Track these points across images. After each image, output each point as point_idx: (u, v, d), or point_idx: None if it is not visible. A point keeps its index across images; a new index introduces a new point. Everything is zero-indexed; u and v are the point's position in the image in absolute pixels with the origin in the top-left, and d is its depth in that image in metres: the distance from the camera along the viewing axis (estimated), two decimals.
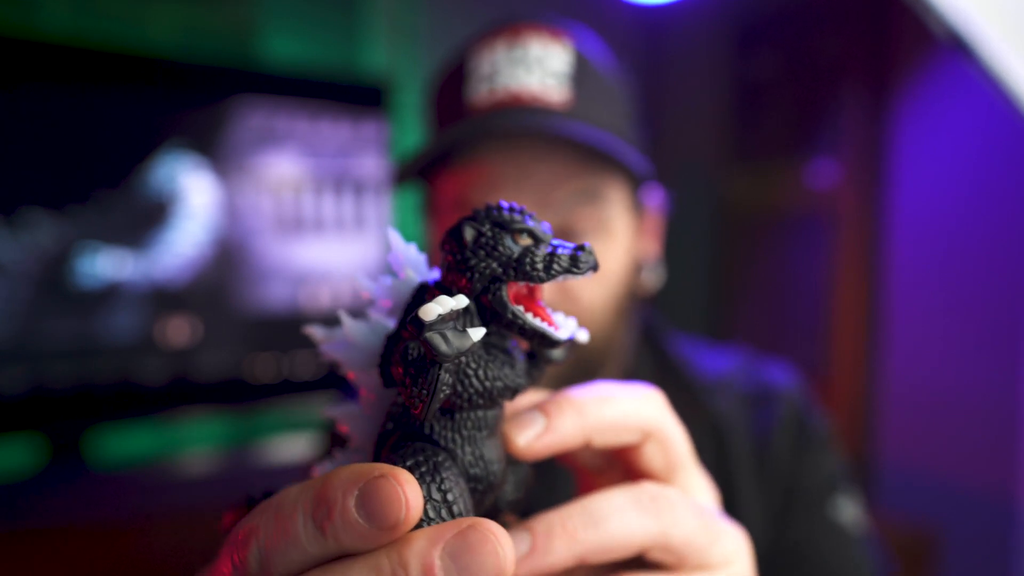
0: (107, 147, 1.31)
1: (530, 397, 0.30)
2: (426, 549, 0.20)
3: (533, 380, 0.28)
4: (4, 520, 1.17)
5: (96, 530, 1.17)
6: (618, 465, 0.31)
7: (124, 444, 1.47)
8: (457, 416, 0.25)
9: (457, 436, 0.25)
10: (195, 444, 1.54)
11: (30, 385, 1.24)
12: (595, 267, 0.24)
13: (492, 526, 0.20)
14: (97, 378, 1.30)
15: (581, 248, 0.24)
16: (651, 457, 0.29)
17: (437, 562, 0.20)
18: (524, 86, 0.55)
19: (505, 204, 0.25)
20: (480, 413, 0.25)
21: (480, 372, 0.24)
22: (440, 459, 0.23)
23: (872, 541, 0.65)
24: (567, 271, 0.24)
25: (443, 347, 0.21)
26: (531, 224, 0.25)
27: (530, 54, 0.56)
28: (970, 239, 1.54)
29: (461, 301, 0.22)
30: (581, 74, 0.57)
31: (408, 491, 0.20)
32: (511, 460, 0.28)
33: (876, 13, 1.69)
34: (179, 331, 1.37)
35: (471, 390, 0.24)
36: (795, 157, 1.87)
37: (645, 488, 0.28)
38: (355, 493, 0.20)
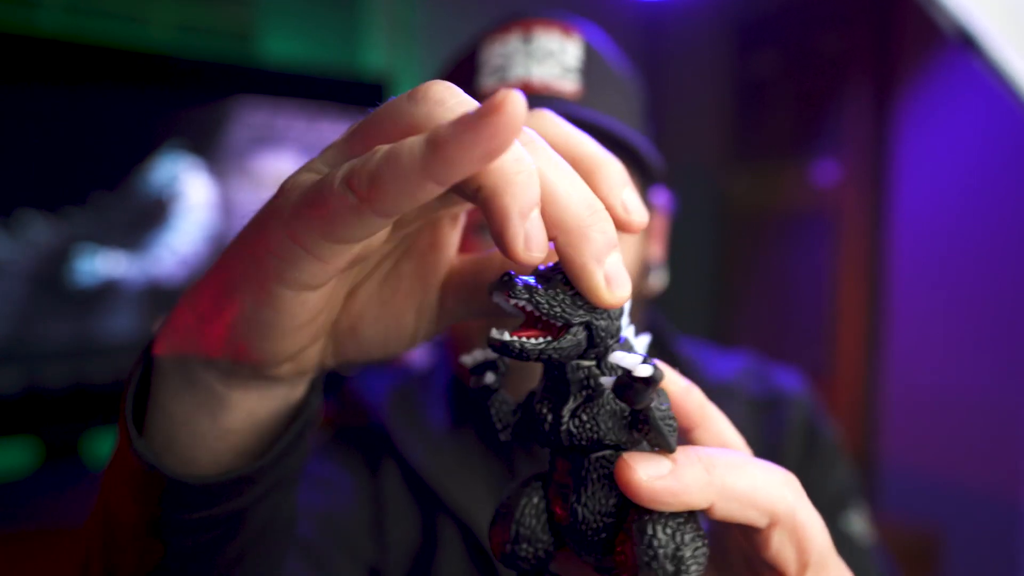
0: (105, 146, 1.30)
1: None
2: None
3: None
4: (1, 522, 1.16)
5: None
6: (743, 558, 0.29)
7: None
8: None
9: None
10: None
11: (26, 386, 1.23)
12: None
13: None
14: (94, 379, 1.29)
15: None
16: (780, 548, 0.27)
17: None
18: (536, 76, 0.54)
19: None
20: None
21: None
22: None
23: (880, 551, 0.64)
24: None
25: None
26: None
27: (542, 47, 0.55)
28: (973, 238, 1.53)
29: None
30: (593, 69, 0.56)
31: None
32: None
33: (878, 11, 1.69)
34: None
35: None
36: (797, 156, 1.87)
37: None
38: None
